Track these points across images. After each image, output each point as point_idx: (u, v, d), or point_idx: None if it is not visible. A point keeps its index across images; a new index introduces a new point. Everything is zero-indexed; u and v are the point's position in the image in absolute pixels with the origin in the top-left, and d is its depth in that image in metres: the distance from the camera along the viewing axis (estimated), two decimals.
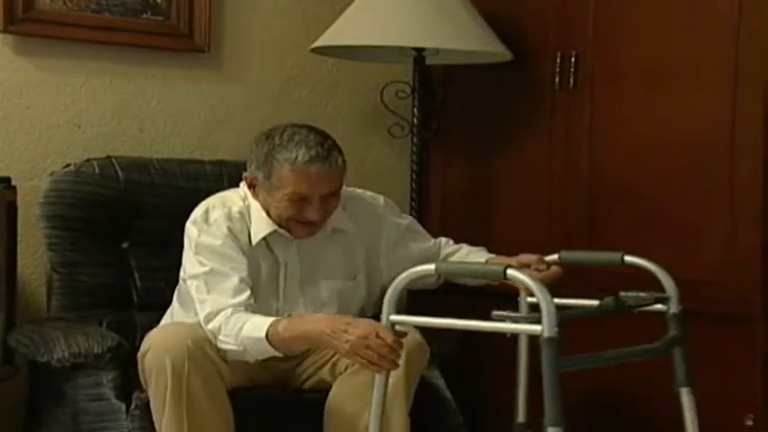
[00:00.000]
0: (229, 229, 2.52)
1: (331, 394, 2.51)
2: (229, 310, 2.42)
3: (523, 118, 3.15)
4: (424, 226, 2.86)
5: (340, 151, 2.54)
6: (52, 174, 2.85)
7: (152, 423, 2.42)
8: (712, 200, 2.69)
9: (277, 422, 2.58)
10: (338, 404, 2.50)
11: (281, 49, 3.38)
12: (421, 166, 3.32)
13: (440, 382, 2.84)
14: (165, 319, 2.70)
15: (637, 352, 2.25)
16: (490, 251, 2.72)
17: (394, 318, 2.22)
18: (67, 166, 2.87)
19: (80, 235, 2.81)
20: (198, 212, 2.57)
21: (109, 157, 2.93)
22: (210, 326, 2.41)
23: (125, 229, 2.88)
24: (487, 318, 2.07)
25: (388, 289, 2.22)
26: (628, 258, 2.41)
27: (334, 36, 3.09)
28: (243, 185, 2.63)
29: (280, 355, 2.42)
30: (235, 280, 2.46)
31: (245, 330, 2.39)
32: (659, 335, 2.30)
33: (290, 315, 2.52)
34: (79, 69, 3.05)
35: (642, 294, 2.29)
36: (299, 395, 2.62)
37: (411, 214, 3.45)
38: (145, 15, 3.11)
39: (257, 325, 2.39)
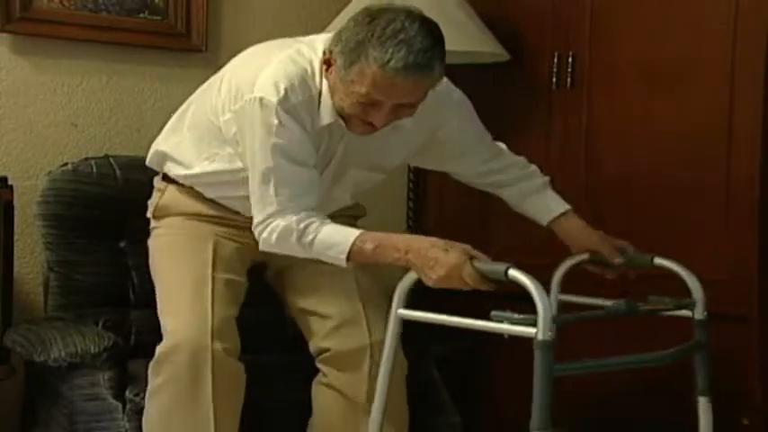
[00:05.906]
0: (306, 116, 2.27)
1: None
2: (300, 215, 2.25)
3: (521, 118, 3.15)
4: (421, 224, 2.81)
5: (442, 60, 2.22)
6: (49, 173, 2.85)
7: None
8: (709, 198, 2.69)
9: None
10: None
11: None
12: None
13: (438, 380, 2.85)
14: (166, 141, 2.62)
15: (649, 358, 2.16)
16: (489, 251, 2.71)
17: (402, 312, 2.22)
18: (65, 165, 2.87)
19: (77, 234, 2.81)
20: (275, 89, 2.26)
21: (106, 156, 2.93)
22: (273, 224, 2.26)
23: (123, 228, 2.88)
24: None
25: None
26: (657, 260, 2.39)
27: None
28: (316, 57, 2.32)
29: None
30: (305, 179, 2.27)
31: (321, 236, 2.24)
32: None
33: None
34: (76, 68, 3.05)
35: (665, 299, 2.25)
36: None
37: (408, 213, 3.46)
38: (142, 15, 3.11)
39: (337, 236, 2.25)
